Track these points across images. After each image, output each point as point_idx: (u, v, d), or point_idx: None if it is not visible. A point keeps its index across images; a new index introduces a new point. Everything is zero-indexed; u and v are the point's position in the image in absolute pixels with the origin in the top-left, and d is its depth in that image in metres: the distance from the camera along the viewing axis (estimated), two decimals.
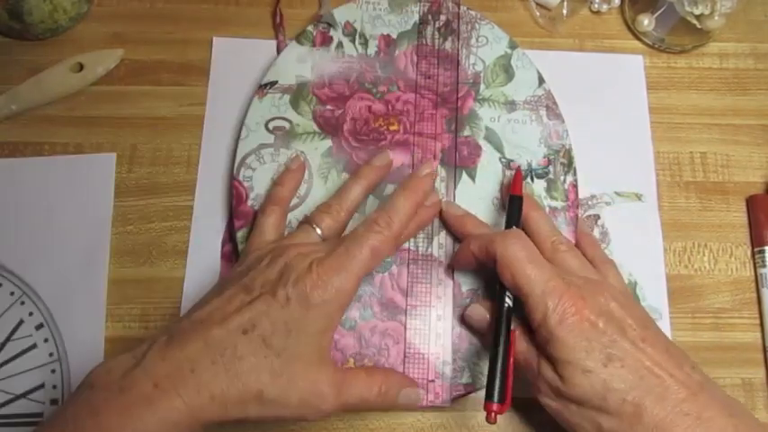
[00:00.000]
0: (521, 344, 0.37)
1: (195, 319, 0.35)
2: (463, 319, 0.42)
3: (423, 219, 0.42)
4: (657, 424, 0.33)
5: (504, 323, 0.36)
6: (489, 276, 0.42)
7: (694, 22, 0.49)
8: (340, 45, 0.48)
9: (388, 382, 0.37)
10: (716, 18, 0.48)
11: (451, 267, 0.43)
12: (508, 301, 0.37)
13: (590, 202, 0.47)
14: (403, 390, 0.38)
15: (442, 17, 0.49)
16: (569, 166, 0.46)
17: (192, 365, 0.33)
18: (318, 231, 0.39)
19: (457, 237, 0.43)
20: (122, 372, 0.33)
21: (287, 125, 0.46)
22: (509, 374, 0.35)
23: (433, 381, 0.41)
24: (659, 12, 0.50)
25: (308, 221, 0.40)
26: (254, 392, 0.33)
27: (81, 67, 0.49)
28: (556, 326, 0.34)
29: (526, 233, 0.39)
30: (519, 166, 0.45)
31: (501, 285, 0.37)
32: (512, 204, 0.41)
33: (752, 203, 0.47)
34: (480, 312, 0.40)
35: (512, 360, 0.36)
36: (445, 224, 0.44)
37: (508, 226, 0.40)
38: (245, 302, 0.34)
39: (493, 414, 0.34)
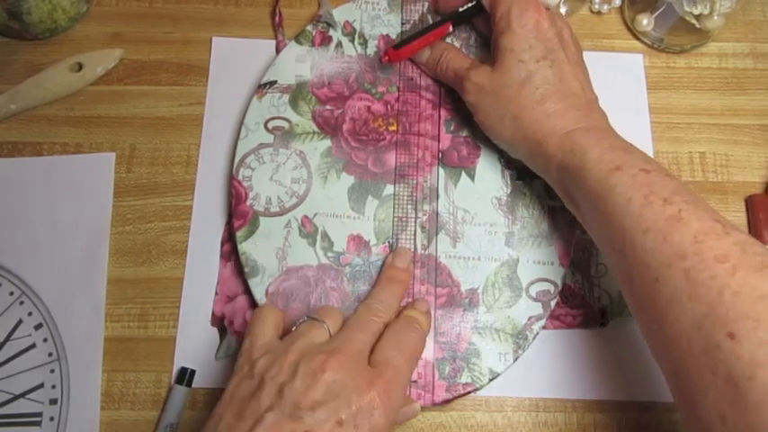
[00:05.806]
0: (457, 60, 0.45)
1: None
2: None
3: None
4: (554, 110, 0.40)
5: (447, 18, 0.46)
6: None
7: (693, 21, 0.49)
8: (339, 45, 0.48)
9: None
10: (715, 18, 0.48)
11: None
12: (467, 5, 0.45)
13: None
14: (401, 410, 0.37)
15: (440, 17, 0.49)
16: None
17: None
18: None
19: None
20: None
21: (286, 125, 0.46)
22: (419, 45, 0.45)
23: (416, 381, 0.41)
24: (658, 12, 0.50)
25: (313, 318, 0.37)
26: None
27: (80, 66, 0.49)
28: (515, 18, 0.41)
29: None
30: None
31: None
32: None
33: (751, 203, 0.47)
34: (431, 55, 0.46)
35: (429, 39, 0.46)
36: None
37: None
38: None
39: (387, 57, 0.45)
